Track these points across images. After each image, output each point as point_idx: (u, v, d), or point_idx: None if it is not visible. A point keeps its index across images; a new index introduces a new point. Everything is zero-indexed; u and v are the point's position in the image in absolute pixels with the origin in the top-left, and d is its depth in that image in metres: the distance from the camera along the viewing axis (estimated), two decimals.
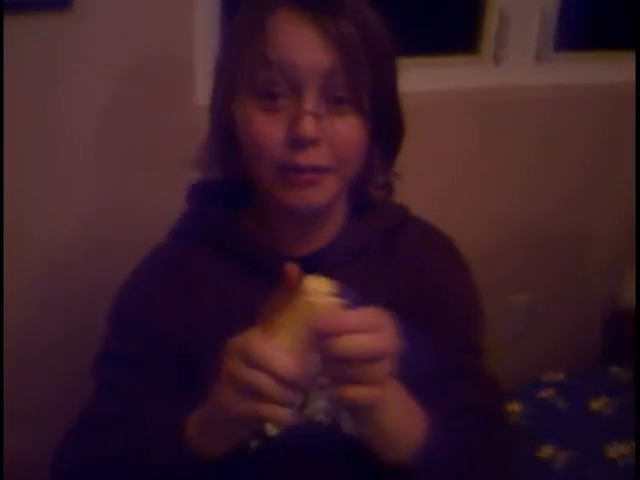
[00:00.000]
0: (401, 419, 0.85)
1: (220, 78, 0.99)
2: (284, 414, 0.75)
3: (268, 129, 0.90)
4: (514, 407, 1.44)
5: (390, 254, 1.03)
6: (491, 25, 1.94)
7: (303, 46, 0.90)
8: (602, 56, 2.13)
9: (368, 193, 1.05)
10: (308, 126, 0.88)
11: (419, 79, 1.69)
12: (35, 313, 1.53)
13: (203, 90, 1.55)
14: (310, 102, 0.89)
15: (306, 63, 0.89)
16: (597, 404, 1.43)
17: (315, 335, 0.75)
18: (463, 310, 1.05)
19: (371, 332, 0.75)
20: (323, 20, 0.89)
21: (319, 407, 0.97)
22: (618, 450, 1.33)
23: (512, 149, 1.98)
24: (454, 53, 1.95)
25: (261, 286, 0.88)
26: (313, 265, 0.98)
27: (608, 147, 2.12)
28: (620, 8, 2.21)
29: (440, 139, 1.84)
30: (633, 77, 2.09)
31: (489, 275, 2.03)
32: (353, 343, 0.74)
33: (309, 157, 0.90)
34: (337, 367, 0.76)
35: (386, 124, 0.98)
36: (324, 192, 0.94)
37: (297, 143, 0.89)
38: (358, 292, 0.99)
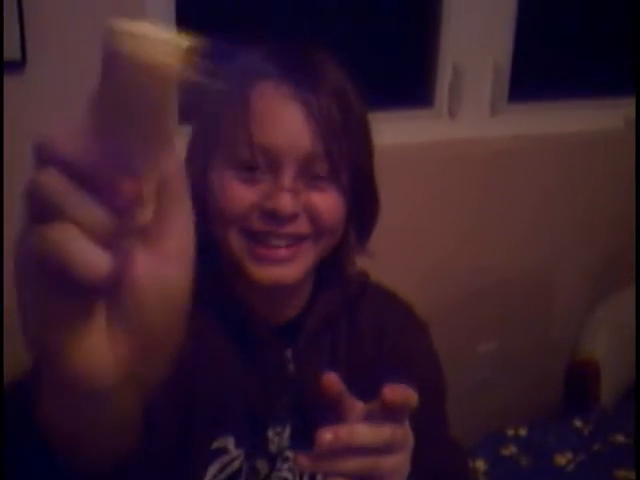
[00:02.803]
0: None
1: (198, 145, 0.96)
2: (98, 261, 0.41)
3: (243, 196, 0.88)
4: (479, 465, 1.43)
5: (352, 321, 1.03)
6: (445, 79, 1.98)
7: (285, 129, 0.88)
8: (555, 106, 2.17)
9: (342, 266, 1.03)
10: (285, 202, 0.86)
11: (375, 134, 1.70)
12: None
13: None
14: (288, 179, 0.88)
15: (287, 147, 0.88)
16: (561, 459, 1.42)
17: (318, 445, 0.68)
18: (424, 377, 1.03)
19: (382, 453, 0.70)
20: (305, 96, 0.88)
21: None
22: None
23: (471, 202, 2.00)
24: (409, 108, 1.98)
25: (231, 344, 0.92)
26: (287, 334, 0.97)
27: (565, 196, 2.16)
28: (571, 59, 2.26)
29: (398, 194, 1.84)
30: (586, 126, 2.14)
31: (457, 325, 2.06)
32: (356, 466, 0.69)
33: (286, 228, 0.88)
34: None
35: (363, 200, 0.97)
36: (299, 268, 0.91)
37: (274, 218, 0.87)
38: (326, 360, 1.00)
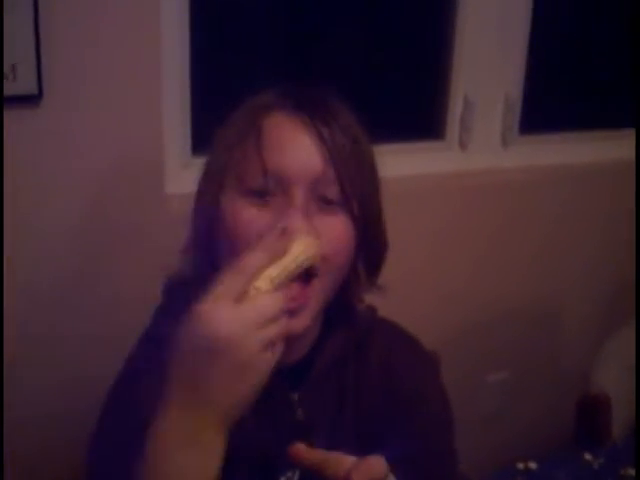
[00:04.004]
0: None
1: (211, 176, 0.98)
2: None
3: (256, 220, 0.90)
4: None
5: (359, 360, 1.03)
6: (456, 111, 1.99)
7: (297, 153, 0.91)
8: (566, 138, 2.18)
9: (351, 304, 1.04)
10: (296, 219, 0.88)
11: (387, 166, 1.71)
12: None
13: (172, 179, 1.57)
14: (299, 199, 0.90)
15: (298, 169, 0.90)
16: None
17: None
18: (434, 416, 1.05)
19: None
20: (317, 125, 0.92)
21: None
22: None
23: (482, 232, 2.01)
24: (421, 140, 1.99)
25: None
26: (294, 377, 0.98)
27: (576, 227, 2.16)
28: (581, 90, 2.27)
29: (409, 224, 1.85)
30: (597, 157, 2.14)
31: (467, 354, 2.05)
32: None
33: None
34: None
35: (371, 234, 0.98)
36: (306, 317, 0.92)
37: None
38: (334, 401, 1.00)
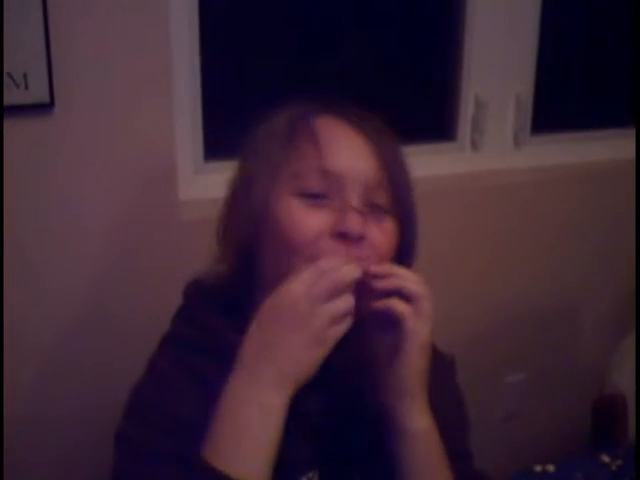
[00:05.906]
0: None
1: (256, 178, 0.97)
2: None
3: (311, 221, 0.91)
4: None
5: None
6: (468, 112, 1.98)
7: (354, 155, 0.93)
8: (578, 137, 2.17)
9: None
10: (356, 221, 0.89)
11: None
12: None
13: (185, 185, 1.57)
14: (356, 201, 0.91)
15: (356, 171, 0.92)
16: None
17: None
18: (451, 417, 1.04)
19: None
20: (364, 130, 0.94)
21: None
22: None
23: (495, 232, 2.00)
24: (433, 141, 1.99)
25: None
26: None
27: (590, 226, 2.15)
28: (593, 90, 2.26)
29: (423, 226, 1.84)
30: (609, 155, 2.13)
31: (484, 356, 2.05)
32: None
33: (353, 252, 0.90)
34: None
35: (409, 243, 1.01)
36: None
37: (343, 240, 0.90)
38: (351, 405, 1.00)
